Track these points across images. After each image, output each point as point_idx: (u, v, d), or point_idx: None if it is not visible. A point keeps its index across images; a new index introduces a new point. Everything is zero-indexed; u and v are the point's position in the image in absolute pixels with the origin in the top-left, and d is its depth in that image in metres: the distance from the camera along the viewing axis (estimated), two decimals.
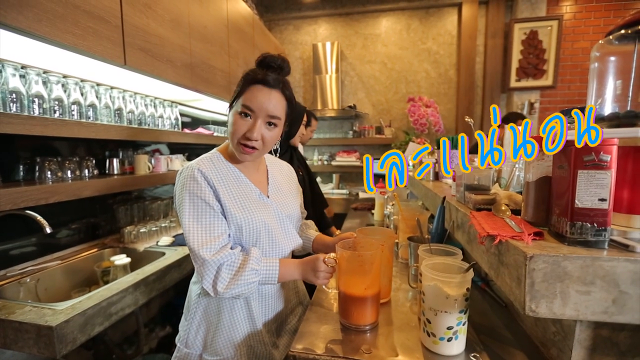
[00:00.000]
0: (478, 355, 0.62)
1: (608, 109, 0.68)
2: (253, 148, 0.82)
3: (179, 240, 1.63)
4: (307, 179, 1.72)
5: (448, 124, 3.57)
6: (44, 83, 1.25)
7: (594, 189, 0.51)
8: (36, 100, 1.21)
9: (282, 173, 1.05)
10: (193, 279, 0.94)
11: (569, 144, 0.53)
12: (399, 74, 3.64)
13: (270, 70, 0.84)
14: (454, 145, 1.42)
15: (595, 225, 0.51)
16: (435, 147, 1.63)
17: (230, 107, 0.86)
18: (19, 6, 0.89)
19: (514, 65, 3.26)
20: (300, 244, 1.01)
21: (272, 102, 0.82)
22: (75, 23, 1.07)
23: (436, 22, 3.51)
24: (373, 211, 2.23)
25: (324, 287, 0.88)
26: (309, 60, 3.73)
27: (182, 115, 2.19)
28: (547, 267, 0.50)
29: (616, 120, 0.61)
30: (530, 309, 0.51)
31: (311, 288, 1.10)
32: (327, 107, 3.56)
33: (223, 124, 2.91)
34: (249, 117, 0.81)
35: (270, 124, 0.83)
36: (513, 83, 3.28)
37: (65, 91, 1.33)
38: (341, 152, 3.67)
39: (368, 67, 3.69)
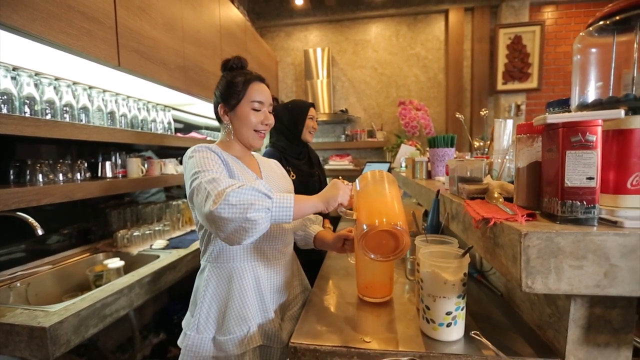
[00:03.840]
0: (479, 333, 0.63)
1: (591, 98, 0.71)
2: (264, 132, 0.99)
3: (174, 244, 1.61)
4: (323, 180, 1.79)
5: (438, 126, 3.64)
6: (36, 85, 1.24)
7: (582, 168, 0.54)
8: (27, 102, 1.20)
9: (272, 169, 1.12)
10: (200, 270, 0.96)
11: (557, 126, 0.56)
12: (389, 78, 3.70)
13: (240, 69, 0.99)
14: (447, 144, 1.45)
15: (585, 202, 0.54)
16: (428, 147, 1.66)
17: (229, 105, 0.94)
18: (13, 4, 0.89)
19: (500, 68, 3.36)
20: (300, 225, 1.09)
21: (269, 93, 0.99)
22: (70, 23, 1.07)
23: (424, 28, 3.61)
24: None
25: (343, 210, 0.84)
26: (301, 65, 3.77)
27: (175, 121, 2.19)
28: (541, 243, 0.51)
29: (599, 106, 0.64)
30: (526, 285, 0.52)
31: (312, 280, 1.11)
32: (319, 111, 3.59)
33: (216, 129, 2.91)
34: (259, 110, 0.95)
35: (269, 112, 0.99)
36: (500, 86, 3.38)
37: (57, 93, 1.32)
38: (334, 156, 3.69)
39: (359, 72, 3.75)
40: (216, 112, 0.98)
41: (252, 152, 1.11)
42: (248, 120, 0.93)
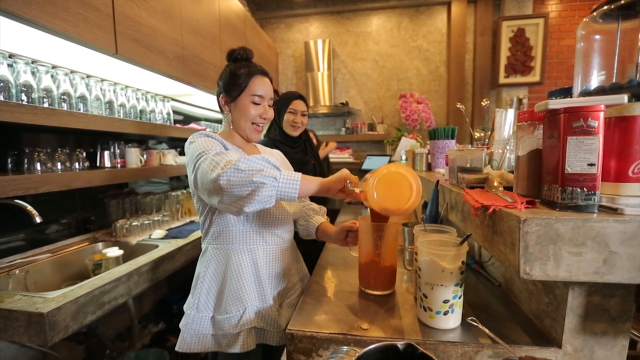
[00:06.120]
0: (475, 319, 0.63)
1: (594, 85, 0.70)
2: (262, 125, 0.99)
3: (173, 234, 1.61)
4: (319, 169, 1.77)
5: (439, 119, 3.61)
6: (33, 73, 1.23)
7: (583, 155, 0.53)
8: (24, 90, 1.18)
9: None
10: (201, 254, 0.98)
11: (559, 112, 0.55)
12: (390, 71, 3.67)
13: (244, 61, 0.98)
14: (447, 135, 1.45)
15: (585, 189, 0.53)
16: (428, 140, 1.66)
17: (230, 96, 0.95)
18: None
19: (503, 62, 3.33)
20: (301, 213, 1.11)
21: (270, 87, 0.98)
22: (66, 9, 1.06)
23: (426, 20, 3.56)
24: None
25: (350, 182, 0.84)
26: (301, 58, 3.74)
27: (174, 112, 2.17)
28: (540, 229, 0.51)
29: (602, 93, 0.63)
30: (524, 272, 0.52)
31: (311, 270, 1.11)
32: (319, 104, 3.57)
33: (216, 121, 2.89)
34: (259, 103, 0.96)
35: (269, 105, 0.99)
36: (502, 79, 3.35)
37: (54, 82, 1.31)
38: (334, 149, 3.67)
39: (360, 65, 3.71)
40: (219, 102, 0.99)
41: (255, 144, 1.12)
42: (247, 113, 0.94)
